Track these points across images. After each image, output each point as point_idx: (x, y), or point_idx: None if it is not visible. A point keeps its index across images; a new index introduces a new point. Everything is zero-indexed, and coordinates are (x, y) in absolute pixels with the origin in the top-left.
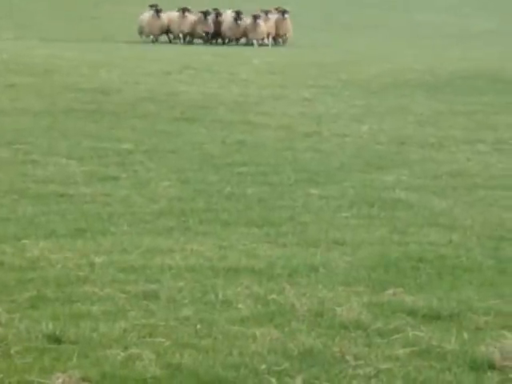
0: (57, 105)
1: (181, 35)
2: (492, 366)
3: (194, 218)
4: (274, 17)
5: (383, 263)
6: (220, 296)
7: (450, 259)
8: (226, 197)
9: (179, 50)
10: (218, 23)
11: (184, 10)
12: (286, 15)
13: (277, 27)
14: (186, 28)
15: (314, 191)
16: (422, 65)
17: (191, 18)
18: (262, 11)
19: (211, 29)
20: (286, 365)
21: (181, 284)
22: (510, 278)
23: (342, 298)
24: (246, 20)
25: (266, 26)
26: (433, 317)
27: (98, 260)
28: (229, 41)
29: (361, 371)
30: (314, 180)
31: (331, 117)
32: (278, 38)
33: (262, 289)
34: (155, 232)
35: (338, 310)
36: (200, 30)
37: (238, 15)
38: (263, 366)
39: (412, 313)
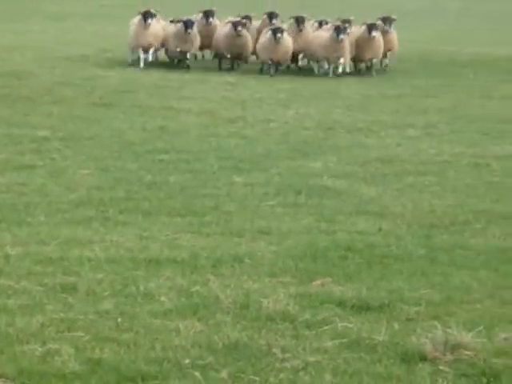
0: None
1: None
2: (423, 358)
3: (113, 207)
4: (355, 31)
5: (310, 253)
6: (141, 288)
7: (380, 248)
8: (147, 185)
9: (97, 33)
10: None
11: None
12: (374, 33)
13: (359, 46)
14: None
15: (238, 179)
16: None
17: (156, 27)
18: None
19: (192, 45)
20: (211, 358)
21: (100, 276)
22: (441, 266)
23: (269, 290)
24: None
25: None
26: (362, 307)
27: (13, 252)
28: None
29: (288, 364)
30: (239, 167)
31: (256, 101)
32: (361, 61)
33: (185, 280)
34: (73, 222)
35: (264, 301)
36: (174, 46)
37: (298, 22)
38: (187, 360)
39: (341, 304)
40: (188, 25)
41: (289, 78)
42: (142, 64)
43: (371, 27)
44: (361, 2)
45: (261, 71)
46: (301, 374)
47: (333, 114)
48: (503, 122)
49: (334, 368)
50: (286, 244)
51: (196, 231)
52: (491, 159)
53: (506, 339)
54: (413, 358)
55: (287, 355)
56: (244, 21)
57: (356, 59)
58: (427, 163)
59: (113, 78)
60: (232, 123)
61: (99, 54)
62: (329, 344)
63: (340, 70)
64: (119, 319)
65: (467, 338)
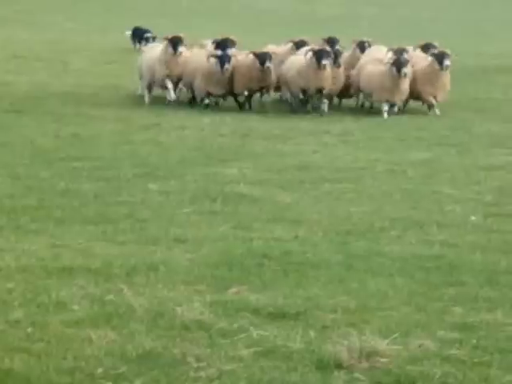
0: None
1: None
2: (339, 365)
3: (25, 215)
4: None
5: (226, 260)
6: (53, 297)
7: (296, 255)
8: (60, 193)
9: (8, 38)
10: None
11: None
12: (448, 62)
13: (423, 83)
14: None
15: (153, 186)
16: None
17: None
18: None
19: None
20: (124, 368)
21: (11, 285)
22: (357, 273)
23: (183, 298)
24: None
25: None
26: (278, 315)
27: None
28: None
29: (203, 373)
30: (154, 174)
31: (171, 108)
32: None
33: (98, 289)
34: None
35: (179, 309)
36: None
37: (362, 47)
38: (99, 370)
39: (256, 311)
40: (225, 60)
41: None
42: (172, 95)
43: (442, 56)
44: (277, 11)
45: (291, 107)
46: (216, 382)
47: (249, 120)
48: (418, 129)
49: (249, 376)
50: (202, 252)
51: (110, 239)
52: (407, 166)
53: (420, 346)
54: (328, 365)
55: (202, 364)
56: (271, 52)
57: (414, 98)
58: (344, 170)
59: (24, 85)
60: (147, 130)
61: (10, 59)
62: (244, 352)
63: (396, 109)
64: (30, 329)
65: (383, 345)
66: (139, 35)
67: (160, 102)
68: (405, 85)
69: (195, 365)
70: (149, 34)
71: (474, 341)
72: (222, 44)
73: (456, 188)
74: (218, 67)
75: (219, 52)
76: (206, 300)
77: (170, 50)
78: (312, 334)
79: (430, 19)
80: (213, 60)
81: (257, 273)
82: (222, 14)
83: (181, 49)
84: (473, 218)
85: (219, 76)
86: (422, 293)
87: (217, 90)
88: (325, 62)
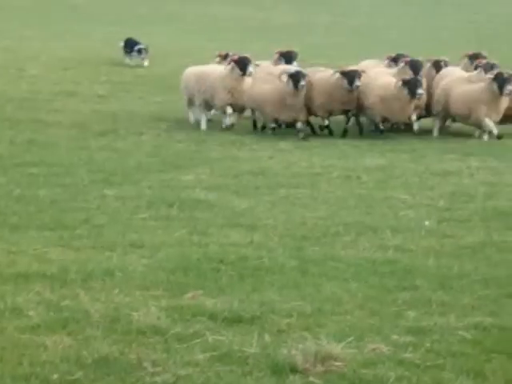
0: None
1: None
2: (294, 369)
3: None
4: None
5: (183, 265)
6: (9, 303)
7: (252, 260)
8: (16, 199)
9: None
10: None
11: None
12: (510, 86)
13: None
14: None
15: (109, 192)
16: None
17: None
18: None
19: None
20: (80, 374)
21: None
22: (312, 278)
23: (139, 303)
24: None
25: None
26: (234, 320)
27: None
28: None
29: (159, 378)
30: (110, 180)
31: (127, 114)
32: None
33: (54, 295)
34: None
35: (135, 315)
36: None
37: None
38: (55, 376)
39: (212, 316)
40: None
41: (159, 90)
42: (228, 121)
43: (504, 81)
44: (231, 17)
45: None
46: None
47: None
48: (372, 136)
49: (204, 381)
50: (158, 257)
51: (66, 245)
52: (361, 172)
53: (374, 350)
54: (284, 369)
55: (158, 369)
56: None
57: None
58: (299, 176)
59: None
60: (103, 136)
61: None
62: (200, 357)
63: (488, 133)
64: None
65: (337, 349)
66: (131, 46)
67: (117, 109)
68: (504, 104)
69: (151, 370)
70: (141, 46)
71: (428, 344)
72: (287, 56)
73: (410, 193)
74: (291, 86)
75: (292, 69)
76: (162, 305)
77: (238, 72)
78: (267, 338)
79: (383, 27)
80: (285, 78)
81: (213, 278)
82: (177, 20)
83: (251, 69)
84: (426, 223)
85: (292, 98)
86: (376, 297)
87: (286, 116)
88: (420, 92)
